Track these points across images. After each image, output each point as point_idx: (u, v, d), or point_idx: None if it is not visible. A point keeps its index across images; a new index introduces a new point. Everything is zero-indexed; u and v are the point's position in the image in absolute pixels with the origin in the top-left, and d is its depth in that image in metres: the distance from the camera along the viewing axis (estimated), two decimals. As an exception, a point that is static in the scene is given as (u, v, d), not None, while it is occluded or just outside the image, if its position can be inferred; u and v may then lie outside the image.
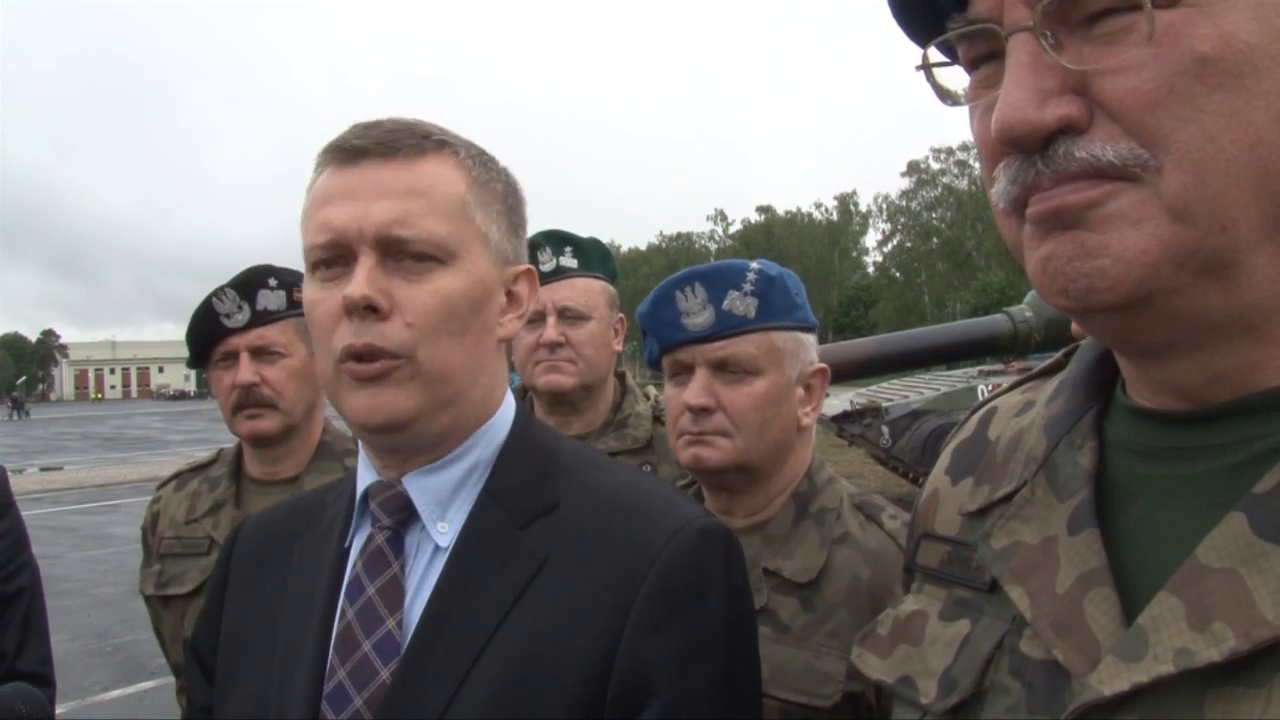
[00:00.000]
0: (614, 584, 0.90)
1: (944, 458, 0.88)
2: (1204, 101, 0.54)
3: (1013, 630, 0.68)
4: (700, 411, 1.42)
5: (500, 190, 1.03)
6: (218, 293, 1.95)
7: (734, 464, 1.43)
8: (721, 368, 1.42)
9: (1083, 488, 0.67)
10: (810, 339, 1.50)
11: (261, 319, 1.95)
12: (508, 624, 0.91)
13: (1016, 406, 0.83)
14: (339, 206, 0.94)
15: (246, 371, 1.93)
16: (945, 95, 0.68)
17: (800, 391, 1.48)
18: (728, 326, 1.41)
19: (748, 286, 1.41)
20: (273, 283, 1.97)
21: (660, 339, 1.47)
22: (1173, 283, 0.57)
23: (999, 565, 0.71)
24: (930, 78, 0.68)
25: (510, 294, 1.04)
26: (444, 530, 0.98)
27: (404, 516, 0.99)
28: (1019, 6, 0.59)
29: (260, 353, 1.95)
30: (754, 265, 1.45)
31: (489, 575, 0.94)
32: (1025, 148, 0.59)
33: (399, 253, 0.93)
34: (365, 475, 1.03)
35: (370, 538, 1.00)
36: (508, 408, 1.06)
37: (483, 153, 1.03)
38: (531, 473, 1.01)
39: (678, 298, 1.44)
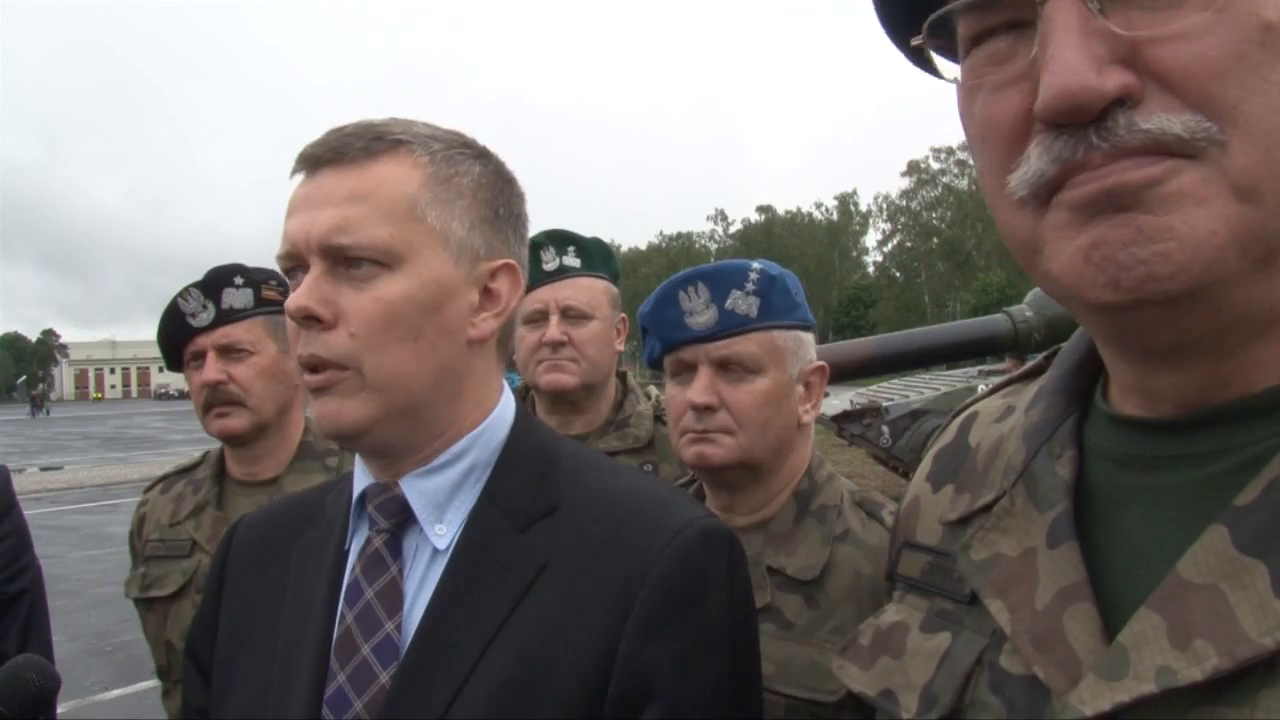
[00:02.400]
0: (614, 586, 0.90)
1: (925, 464, 0.86)
2: (1269, 71, 0.51)
3: (993, 645, 0.67)
4: (704, 410, 1.44)
5: (468, 184, 0.99)
6: (183, 292, 1.96)
7: (737, 461, 1.45)
8: (724, 366, 1.44)
9: (1061, 499, 0.66)
10: (809, 337, 1.52)
11: (227, 317, 1.95)
12: (508, 627, 0.90)
13: (997, 412, 0.82)
14: (295, 217, 0.94)
15: (212, 370, 1.93)
16: (946, 69, 0.63)
17: (800, 389, 1.50)
18: (730, 326, 1.43)
19: (750, 286, 1.43)
20: (238, 281, 1.97)
21: (663, 338, 1.49)
22: (1234, 269, 0.53)
23: (978, 578, 0.69)
24: (926, 58, 0.64)
25: (487, 291, 1.00)
26: (442, 533, 0.97)
27: (401, 519, 0.98)
28: None
29: (227, 351, 1.94)
30: (756, 265, 1.46)
31: (489, 578, 0.93)
32: (1081, 119, 0.53)
33: (343, 260, 0.92)
34: (362, 478, 1.02)
35: (368, 541, 0.99)
36: (506, 408, 1.05)
37: (454, 146, 1.00)
38: (532, 475, 1.00)
39: (681, 297, 1.45)
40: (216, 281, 1.97)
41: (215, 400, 1.94)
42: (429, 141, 0.98)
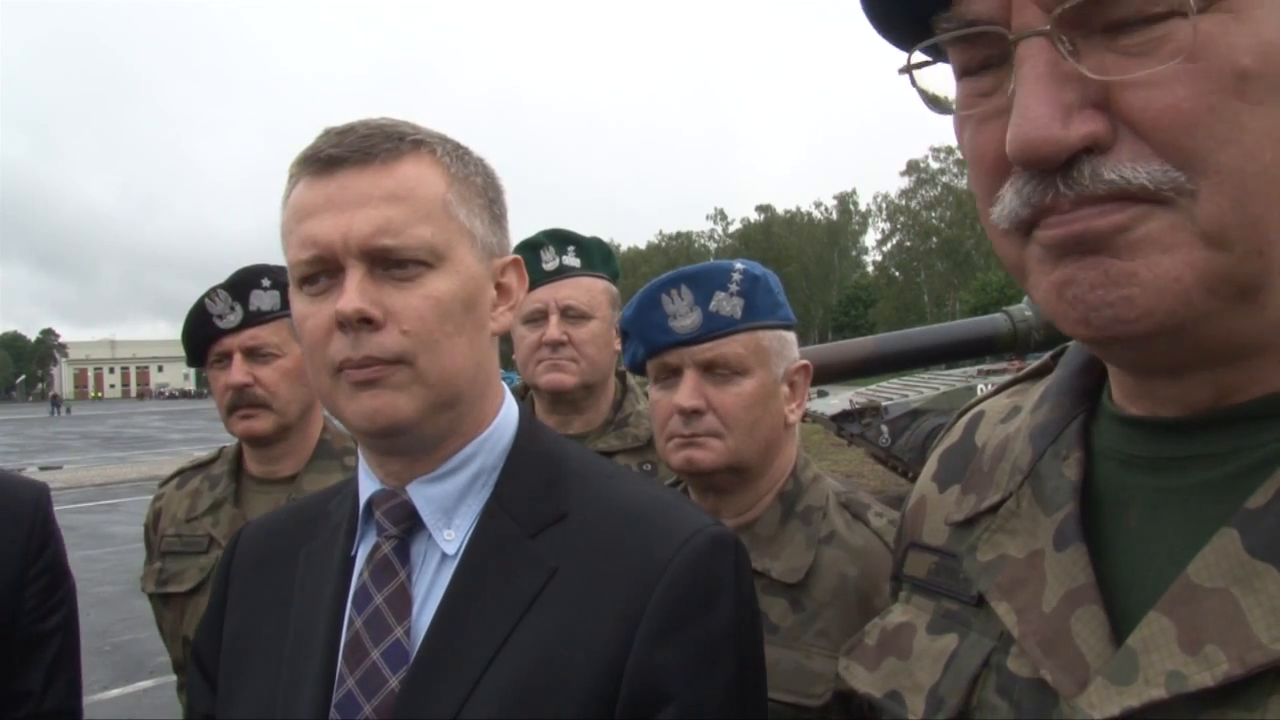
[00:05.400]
0: (624, 592, 0.90)
1: (930, 463, 0.86)
2: (1245, 119, 0.50)
3: (999, 647, 0.66)
4: (692, 414, 1.42)
5: (480, 183, 1.01)
6: (211, 294, 1.97)
7: (726, 465, 1.43)
8: (710, 369, 1.42)
9: (1068, 500, 0.65)
10: (792, 336, 1.51)
11: (254, 319, 1.96)
12: (518, 632, 0.90)
13: (1003, 411, 0.81)
14: (321, 219, 0.92)
15: (239, 372, 1.94)
16: (934, 102, 0.62)
17: (785, 389, 1.49)
18: (715, 327, 1.41)
19: (733, 287, 1.42)
20: (266, 283, 1.98)
21: (647, 342, 1.47)
22: (1203, 309, 0.53)
23: (985, 580, 0.69)
24: (915, 83, 0.63)
25: (499, 286, 1.03)
26: (450, 538, 0.97)
27: (409, 525, 0.99)
28: (1030, 7, 0.54)
29: (253, 353, 1.95)
30: (739, 265, 1.45)
31: (499, 584, 0.93)
32: (1046, 167, 0.54)
33: (386, 261, 0.92)
34: (368, 484, 1.02)
35: (376, 547, 0.99)
36: (509, 411, 1.05)
37: (458, 146, 1.02)
38: (540, 480, 1.00)
39: (664, 300, 1.43)
40: (244, 283, 1.97)
41: (241, 402, 1.95)
42: (442, 141, 0.99)
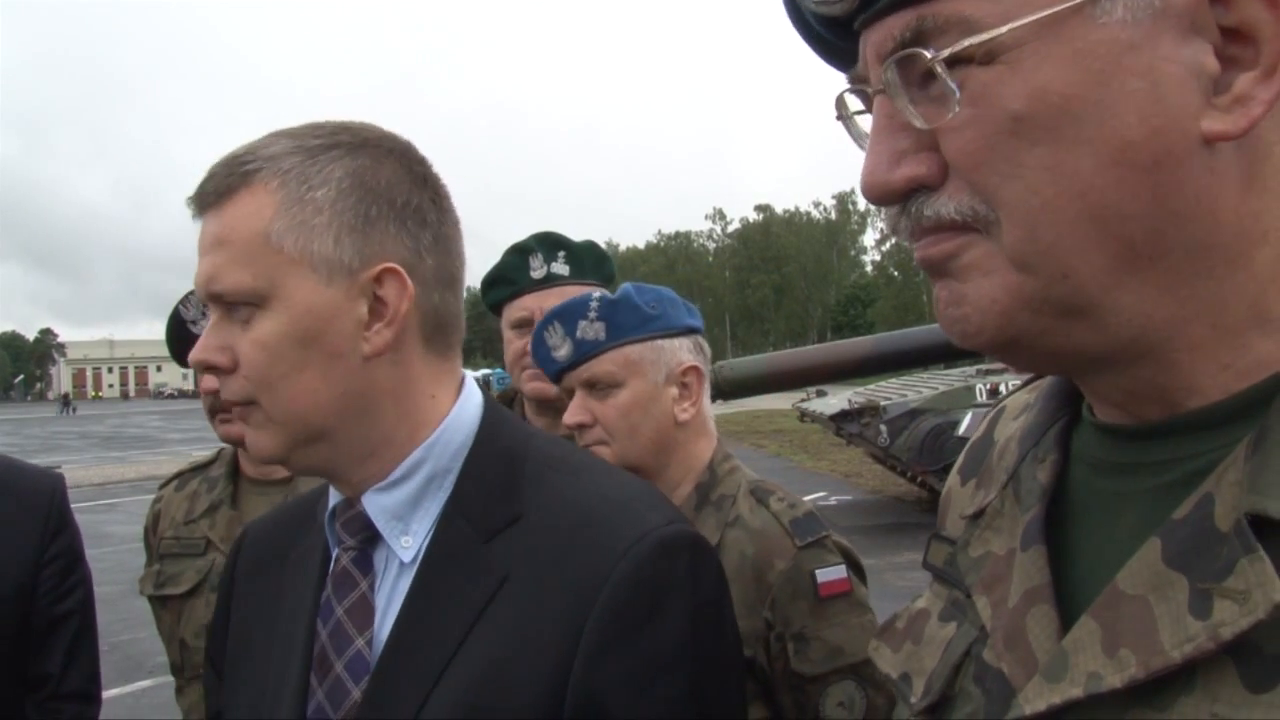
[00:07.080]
0: (569, 602, 0.88)
1: (960, 456, 0.88)
2: (1024, 157, 0.55)
3: (980, 638, 0.69)
4: (579, 428, 1.62)
5: (325, 196, 0.92)
6: (184, 300, 1.98)
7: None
8: (592, 387, 1.62)
9: (1036, 503, 0.68)
10: (675, 343, 1.64)
11: None
12: (468, 643, 0.89)
13: (1019, 408, 0.83)
14: (197, 265, 0.96)
15: (209, 377, 1.93)
16: (860, 139, 0.67)
17: (674, 391, 1.62)
18: (585, 352, 1.62)
19: (592, 314, 1.62)
20: None
21: (546, 373, 1.71)
22: (1033, 327, 0.58)
23: (972, 574, 0.72)
24: (848, 127, 0.68)
25: (378, 299, 0.94)
26: (408, 545, 0.96)
27: (368, 535, 0.98)
28: (875, 68, 0.60)
29: None
30: (596, 295, 1.65)
31: (452, 592, 0.92)
32: (885, 205, 0.62)
33: (228, 304, 0.93)
34: (333, 494, 1.03)
35: (337, 558, 1.00)
36: (465, 409, 1.02)
37: (314, 155, 0.94)
38: (497, 481, 0.98)
39: (545, 336, 1.67)
40: None
41: (218, 406, 1.95)
42: (281, 160, 0.93)
